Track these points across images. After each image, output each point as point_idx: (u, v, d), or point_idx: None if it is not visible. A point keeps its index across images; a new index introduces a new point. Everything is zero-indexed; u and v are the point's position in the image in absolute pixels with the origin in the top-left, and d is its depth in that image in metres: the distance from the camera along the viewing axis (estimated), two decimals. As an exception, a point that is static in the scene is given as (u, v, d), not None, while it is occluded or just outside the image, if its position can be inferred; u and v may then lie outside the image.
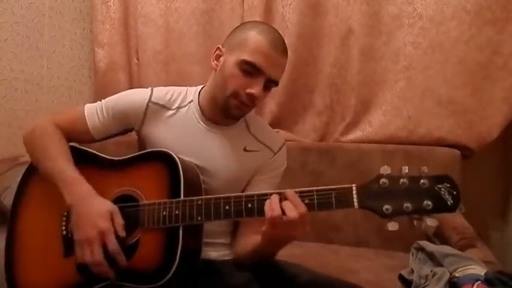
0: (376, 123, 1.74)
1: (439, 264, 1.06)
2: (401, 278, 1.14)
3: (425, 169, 0.77)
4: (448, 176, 0.76)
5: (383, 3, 1.70)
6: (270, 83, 0.98)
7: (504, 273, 0.91)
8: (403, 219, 0.77)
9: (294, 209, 0.79)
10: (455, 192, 0.74)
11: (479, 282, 0.90)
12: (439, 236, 1.36)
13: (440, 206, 0.74)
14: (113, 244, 0.87)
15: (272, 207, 0.81)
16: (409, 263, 1.16)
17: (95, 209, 0.90)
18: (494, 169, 1.73)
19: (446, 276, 0.98)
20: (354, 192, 0.80)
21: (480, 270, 0.96)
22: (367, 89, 1.74)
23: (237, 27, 1.05)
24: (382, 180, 0.78)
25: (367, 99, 1.74)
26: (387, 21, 1.70)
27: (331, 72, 1.78)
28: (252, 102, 0.98)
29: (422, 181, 0.76)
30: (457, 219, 1.38)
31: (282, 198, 0.82)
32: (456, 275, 0.98)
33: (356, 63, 1.73)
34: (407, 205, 0.76)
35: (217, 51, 1.03)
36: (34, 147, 1.04)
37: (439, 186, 0.75)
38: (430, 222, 0.75)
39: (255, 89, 0.95)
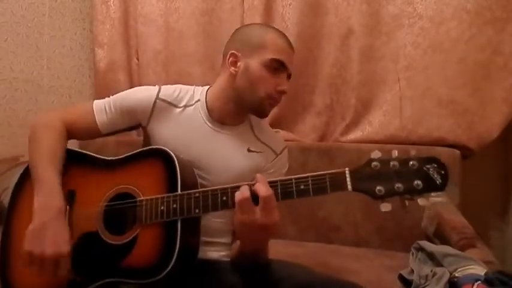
0: (376, 123, 1.74)
1: (439, 264, 1.06)
2: (401, 278, 1.14)
3: (413, 151, 0.80)
4: (435, 157, 0.79)
5: (383, 3, 1.70)
6: (288, 77, 1.06)
7: (504, 273, 0.91)
8: (395, 200, 0.80)
9: (263, 188, 0.83)
10: (443, 172, 0.77)
11: (479, 282, 0.90)
12: (439, 236, 1.35)
13: (430, 186, 0.77)
14: (65, 269, 0.88)
15: (241, 191, 0.84)
16: (409, 263, 1.16)
17: (60, 230, 0.90)
18: (494, 169, 1.73)
19: (446, 276, 0.98)
20: (347, 175, 0.82)
21: (480, 270, 0.96)
22: (367, 89, 1.74)
23: (243, 31, 1.09)
24: (374, 163, 0.81)
25: (367, 99, 1.75)
26: (387, 21, 1.70)
27: (331, 72, 1.78)
28: (281, 98, 1.05)
29: (411, 163, 0.79)
30: (457, 219, 1.37)
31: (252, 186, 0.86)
32: (456, 275, 0.98)
33: (356, 63, 1.73)
34: (399, 186, 0.78)
35: (232, 58, 1.04)
36: (31, 141, 1.03)
37: (428, 166, 0.78)
38: (421, 201, 0.78)
39: (284, 86, 1.03)
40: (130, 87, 1.15)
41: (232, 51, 1.04)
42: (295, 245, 1.57)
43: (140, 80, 2.02)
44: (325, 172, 0.84)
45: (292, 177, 0.85)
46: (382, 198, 0.79)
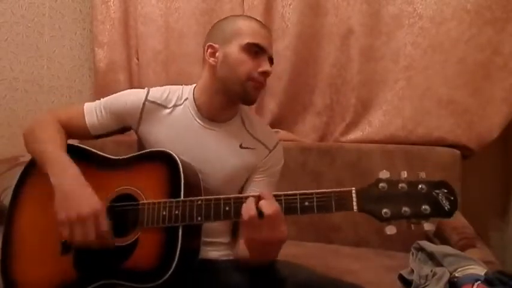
0: (376, 123, 1.74)
1: (439, 264, 1.06)
2: (401, 278, 1.14)
3: (423, 174, 0.79)
4: (445, 182, 0.78)
5: (383, 3, 1.70)
6: (270, 61, 1.04)
7: (504, 273, 0.91)
8: (401, 223, 0.78)
9: (269, 205, 0.81)
10: (452, 198, 0.76)
11: (479, 282, 0.90)
12: (439, 236, 1.36)
13: (438, 211, 0.76)
14: (104, 225, 0.88)
15: (248, 208, 0.82)
16: (409, 263, 1.16)
17: (86, 190, 0.91)
18: (494, 169, 1.73)
19: (446, 276, 0.98)
20: (354, 195, 0.81)
21: (480, 270, 0.96)
22: (367, 89, 1.73)
23: (218, 24, 1.08)
24: (381, 184, 0.80)
25: (367, 99, 1.74)
26: (387, 21, 1.70)
27: (331, 72, 1.78)
28: (265, 79, 1.03)
29: (420, 186, 0.78)
30: (457, 219, 1.38)
31: (258, 199, 0.83)
32: (456, 275, 0.98)
33: (356, 63, 1.73)
34: (406, 209, 0.77)
35: (210, 49, 1.04)
36: (29, 136, 1.05)
37: (437, 191, 0.77)
38: (428, 226, 0.77)
39: (265, 67, 1.01)
40: (130, 87, 1.16)
41: (209, 43, 1.04)
42: (295, 245, 1.57)
43: (140, 80, 2.02)
44: (331, 190, 0.82)
45: (297, 192, 0.84)
46: (387, 220, 0.78)
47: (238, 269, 1.00)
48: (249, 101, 1.04)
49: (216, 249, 1.07)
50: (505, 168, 1.72)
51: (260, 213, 0.81)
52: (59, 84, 2.04)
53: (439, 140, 1.64)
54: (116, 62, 2.04)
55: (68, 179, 0.92)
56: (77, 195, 0.89)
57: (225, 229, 1.10)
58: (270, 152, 1.10)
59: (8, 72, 1.84)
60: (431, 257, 1.11)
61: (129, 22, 2.04)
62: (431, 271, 1.03)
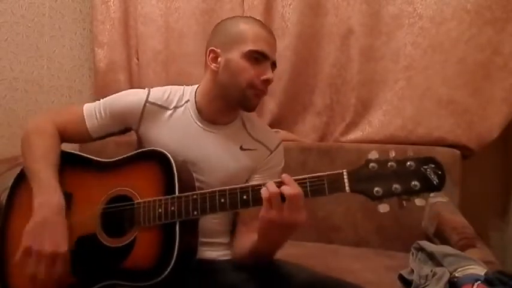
0: (376, 123, 1.74)
1: (439, 264, 1.06)
2: (401, 278, 1.14)
3: (411, 152, 0.80)
4: (432, 157, 0.79)
5: (383, 3, 1.70)
6: (273, 66, 1.03)
7: (504, 273, 0.91)
8: (393, 200, 0.80)
9: (290, 188, 0.81)
10: (440, 172, 0.78)
11: (479, 282, 0.90)
12: (439, 236, 1.35)
13: (427, 186, 0.78)
14: (57, 271, 0.87)
15: (269, 187, 0.82)
16: (409, 263, 1.16)
17: (60, 228, 0.89)
18: (494, 169, 1.73)
19: (446, 276, 0.98)
20: (345, 177, 0.82)
21: (480, 270, 0.96)
22: (367, 89, 1.74)
23: (221, 26, 1.07)
24: (371, 164, 0.81)
25: (367, 99, 1.74)
26: (387, 21, 1.70)
27: (331, 72, 1.78)
28: (266, 87, 1.02)
29: (408, 163, 0.79)
30: (457, 219, 1.37)
31: (279, 185, 0.83)
32: (456, 275, 0.98)
33: (356, 63, 1.73)
34: (396, 186, 0.79)
35: (212, 54, 1.04)
36: (24, 145, 1.04)
37: (425, 167, 0.78)
38: (419, 202, 0.78)
39: (268, 75, 1.00)
40: (130, 87, 1.15)
41: (211, 48, 1.03)
42: (295, 245, 1.55)
43: (140, 80, 2.02)
44: (322, 174, 0.83)
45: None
46: (380, 199, 0.79)
47: (237, 269, 1.00)
48: (249, 108, 1.04)
49: (214, 249, 1.07)
50: (505, 168, 1.72)
51: (282, 197, 0.81)
52: (59, 84, 2.04)
53: (439, 140, 1.64)
54: (116, 62, 2.04)
55: (48, 210, 0.90)
56: (48, 230, 0.88)
57: (223, 229, 1.10)
58: (271, 153, 1.10)
59: (8, 72, 1.84)
60: (431, 257, 1.11)
61: (129, 22, 2.04)
62: (431, 271, 1.03)
